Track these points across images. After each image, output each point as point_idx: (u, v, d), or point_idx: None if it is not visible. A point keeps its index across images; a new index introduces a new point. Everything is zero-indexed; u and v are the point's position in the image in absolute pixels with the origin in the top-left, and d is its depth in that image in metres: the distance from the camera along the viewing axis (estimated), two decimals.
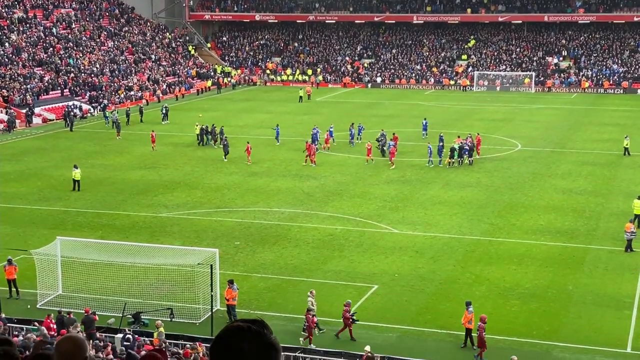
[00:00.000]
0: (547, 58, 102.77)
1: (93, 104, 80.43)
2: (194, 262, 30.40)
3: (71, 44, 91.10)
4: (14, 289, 31.34)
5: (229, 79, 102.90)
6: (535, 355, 26.39)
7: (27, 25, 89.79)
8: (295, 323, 28.44)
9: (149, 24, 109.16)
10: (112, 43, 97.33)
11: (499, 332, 27.18)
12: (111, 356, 22.19)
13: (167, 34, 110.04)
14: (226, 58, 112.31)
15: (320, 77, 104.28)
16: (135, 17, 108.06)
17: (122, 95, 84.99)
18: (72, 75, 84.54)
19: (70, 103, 77.54)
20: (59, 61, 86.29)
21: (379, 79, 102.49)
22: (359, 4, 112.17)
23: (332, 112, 77.90)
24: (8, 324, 26.43)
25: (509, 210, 42.99)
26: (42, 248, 31.98)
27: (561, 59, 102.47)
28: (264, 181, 49.71)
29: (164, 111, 73.69)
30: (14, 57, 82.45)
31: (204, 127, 62.35)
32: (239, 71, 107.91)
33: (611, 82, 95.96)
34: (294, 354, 25.13)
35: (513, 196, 45.96)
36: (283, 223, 40.77)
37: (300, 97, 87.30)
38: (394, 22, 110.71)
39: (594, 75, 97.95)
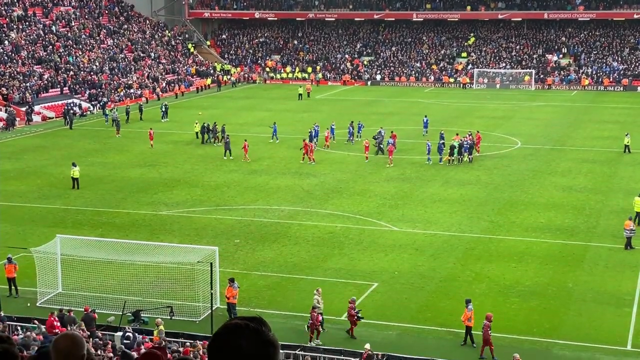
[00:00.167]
0: (547, 55, 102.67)
1: (93, 102, 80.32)
2: (194, 260, 30.40)
3: (71, 42, 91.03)
4: (13, 287, 31.30)
5: (228, 76, 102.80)
6: (536, 352, 26.40)
7: (27, 23, 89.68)
8: (295, 321, 28.44)
9: (148, 21, 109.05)
10: (111, 41, 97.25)
11: (499, 329, 27.14)
12: (111, 354, 22.22)
13: (167, 31, 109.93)
14: (226, 56, 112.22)
15: (320, 75, 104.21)
16: (134, 15, 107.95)
17: (121, 93, 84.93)
18: (71, 73, 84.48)
19: (70, 101, 77.46)
20: (59, 59, 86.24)
21: (378, 77, 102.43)
22: (359, 2, 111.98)
23: (332, 110, 77.83)
24: (7, 322, 26.44)
25: (509, 208, 42.96)
26: (41, 246, 31.97)
27: (561, 56, 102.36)
28: (263, 179, 49.69)
29: (163, 109, 73.67)
30: (13, 55, 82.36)
31: (205, 124, 62.32)
32: (238, 69, 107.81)
33: (611, 80, 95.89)
34: (293, 352, 25.12)
35: (513, 194, 45.95)
36: (283, 221, 40.74)
37: (300, 94, 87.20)
38: (393, 19, 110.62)
39: (594, 72, 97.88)
